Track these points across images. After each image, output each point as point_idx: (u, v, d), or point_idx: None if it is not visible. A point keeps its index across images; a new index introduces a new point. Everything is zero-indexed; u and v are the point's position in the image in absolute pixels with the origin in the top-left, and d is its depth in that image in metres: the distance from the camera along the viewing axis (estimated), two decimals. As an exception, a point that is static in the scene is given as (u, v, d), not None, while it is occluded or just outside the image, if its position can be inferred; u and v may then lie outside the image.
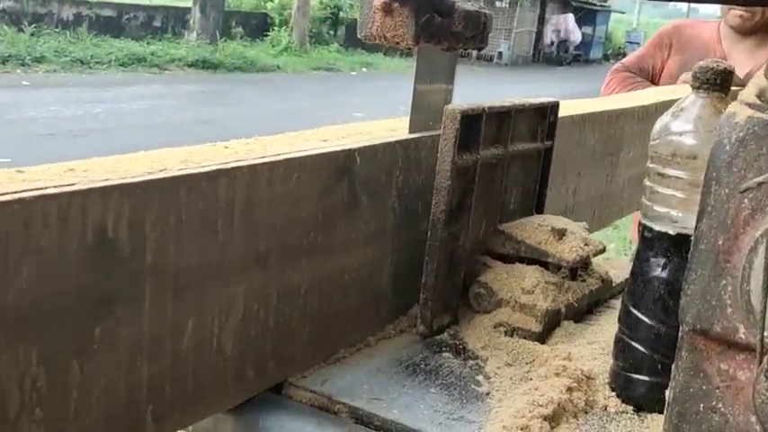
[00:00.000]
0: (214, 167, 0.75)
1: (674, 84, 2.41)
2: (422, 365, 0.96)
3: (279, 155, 0.83)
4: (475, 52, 19.34)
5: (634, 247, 2.86)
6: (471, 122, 1.00)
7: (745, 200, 0.61)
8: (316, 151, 0.87)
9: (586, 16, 26.25)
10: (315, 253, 0.89)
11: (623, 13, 34.84)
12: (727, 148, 0.62)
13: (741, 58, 2.37)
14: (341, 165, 0.90)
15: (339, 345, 0.97)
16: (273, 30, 17.11)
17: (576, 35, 24.96)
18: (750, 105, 0.62)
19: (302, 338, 0.90)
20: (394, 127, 1.06)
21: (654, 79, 2.57)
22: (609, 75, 2.63)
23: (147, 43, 14.11)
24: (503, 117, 1.07)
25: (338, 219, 0.91)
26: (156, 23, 15.48)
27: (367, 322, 1.01)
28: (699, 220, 0.64)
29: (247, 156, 0.80)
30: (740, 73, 2.31)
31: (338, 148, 0.90)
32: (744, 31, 2.44)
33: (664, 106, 1.70)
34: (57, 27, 13.50)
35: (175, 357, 0.75)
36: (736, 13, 2.41)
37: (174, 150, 0.79)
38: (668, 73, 2.54)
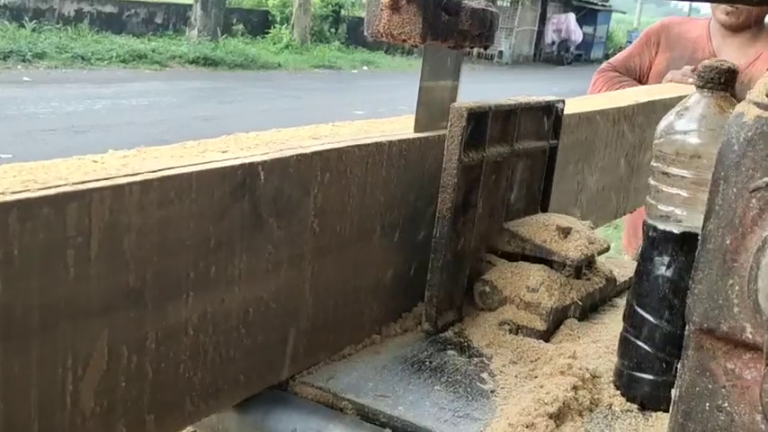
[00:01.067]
0: (60, 189, 0.62)
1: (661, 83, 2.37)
2: (427, 363, 0.96)
3: (155, 171, 0.70)
4: (475, 51, 19.31)
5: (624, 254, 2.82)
6: (477, 120, 1.00)
7: (753, 200, 0.61)
8: (205, 166, 0.74)
9: (588, 16, 26.24)
10: (206, 286, 0.76)
11: (624, 12, 34.84)
12: (736, 147, 0.62)
13: (731, 56, 2.31)
14: (239, 181, 0.77)
15: (243, 389, 0.85)
16: (275, 27, 17.11)
17: (577, 35, 24.94)
18: (758, 105, 0.62)
19: (193, 386, 0.78)
20: (318, 133, 0.95)
21: (642, 78, 2.53)
22: (595, 75, 2.58)
23: (149, 40, 14.12)
24: (509, 115, 1.08)
25: (237, 244, 0.78)
26: (158, 20, 15.48)
27: (276, 363, 0.88)
28: (706, 219, 0.64)
29: (117, 172, 0.68)
30: None
31: (236, 162, 0.77)
32: (733, 28, 2.39)
33: (641, 108, 1.64)
34: (58, 23, 13.50)
35: (10, 421, 0.62)
36: (724, 9, 2.36)
37: (24, 165, 0.67)
38: (656, 71, 2.48)
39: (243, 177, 0.78)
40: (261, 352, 0.85)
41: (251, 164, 0.78)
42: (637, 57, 2.54)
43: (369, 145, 0.94)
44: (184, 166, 0.73)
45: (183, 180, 0.72)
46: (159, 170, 0.71)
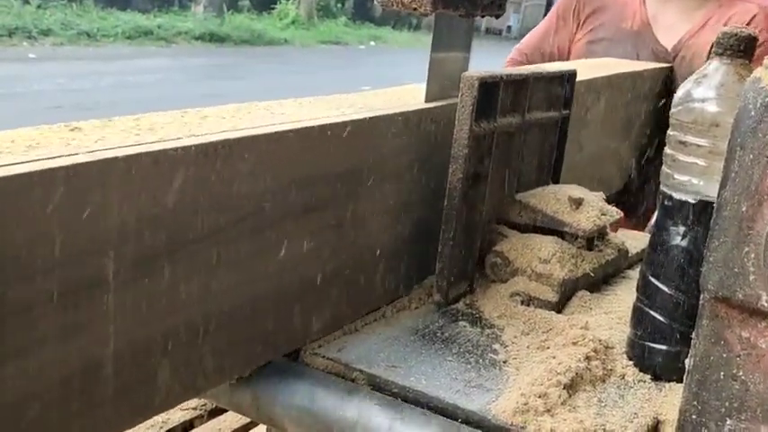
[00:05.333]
0: None
1: None
2: (438, 334, 0.96)
3: None
4: (483, 26, 19.16)
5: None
6: (488, 90, 0.99)
7: (771, 166, 0.60)
8: None
9: (596, -11, 25.94)
10: None
11: (633, -14, 34.43)
12: (753, 113, 0.61)
13: (670, 23, 1.86)
14: None
15: None
16: (281, 2, 17.00)
17: (585, 8, 24.67)
18: (776, 70, 0.61)
19: None
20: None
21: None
22: (506, 64, 2.03)
23: (154, 16, 14.04)
24: (520, 85, 1.06)
25: None
26: (163, -4, 15.39)
27: None
28: (722, 186, 0.63)
29: None
30: (668, 40, 1.83)
31: None
32: None
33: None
34: (63, -1, 13.44)
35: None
36: None
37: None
38: (577, 51, 1.93)
39: None
40: None
41: None
42: (552, 35, 1.98)
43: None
44: None
45: None
46: None
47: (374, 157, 0.92)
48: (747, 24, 1.73)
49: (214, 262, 0.75)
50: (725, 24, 1.73)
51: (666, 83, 1.79)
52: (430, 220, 1.03)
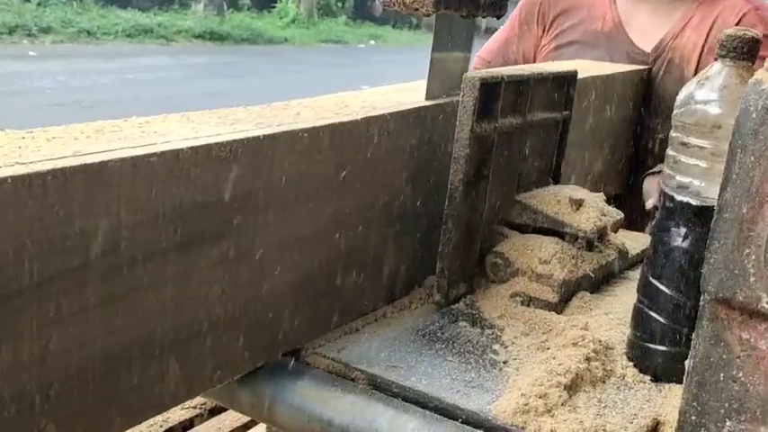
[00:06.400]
0: None
1: None
2: (439, 334, 0.96)
3: None
4: (483, 26, 19.16)
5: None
6: (490, 91, 0.99)
7: (772, 168, 0.60)
8: None
9: (596, -11, 25.93)
10: None
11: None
12: (754, 115, 0.61)
13: (644, 24, 1.69)
14: None
15: None
16: (281, 1, 17.01)
17: (585, 8, 24.68)
18: (778, 72, 0.61)
19: None
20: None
21: None
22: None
23: (154, 14, 14.07)
24: (521, 86, 1.06)
25: None
26: (163, -6, 15.39)
27: None
28: (723, 188, 0.63)
29: None
30: (645, 43, 1.68)
31: None
32: None
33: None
34: (63, -3, 13.44)
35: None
36: None
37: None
38: (543, 57, 1.75)
39: None
40: None
41: None
42: (515, 42, 1.80)
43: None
44: None
45: None
46: None
47: (276, 180, 0.80)
48: (737, 24, 1.60)
49: (52, 316, 0.62)
50: (711, 24, 1.63)
51: (641, 86, 1.63)
52: (360, 248, 0.95)
